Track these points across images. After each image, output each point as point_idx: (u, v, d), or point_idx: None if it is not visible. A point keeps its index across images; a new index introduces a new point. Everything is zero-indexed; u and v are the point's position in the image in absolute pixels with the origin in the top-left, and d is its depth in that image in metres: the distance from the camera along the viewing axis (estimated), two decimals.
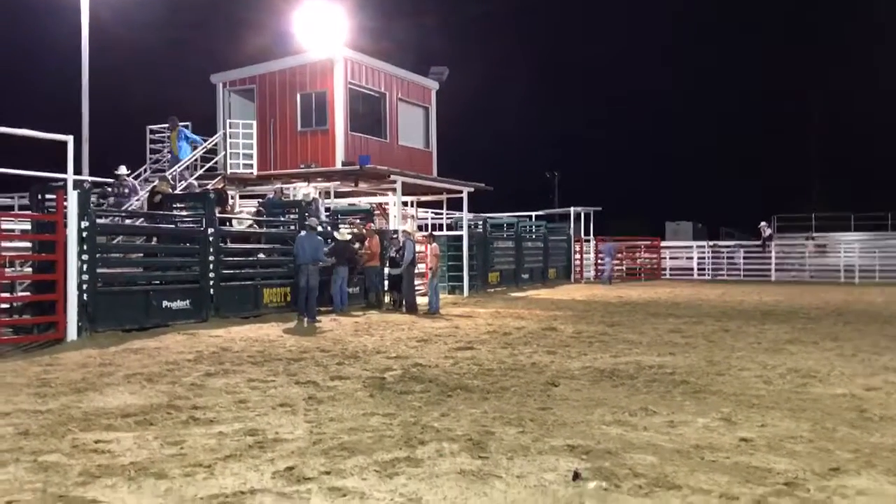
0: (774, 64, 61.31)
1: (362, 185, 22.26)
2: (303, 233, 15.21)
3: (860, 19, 58.60)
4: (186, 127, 19.98)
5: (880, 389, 7.90)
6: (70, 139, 11.61)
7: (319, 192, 22.11)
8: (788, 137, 59.43)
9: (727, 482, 4.83)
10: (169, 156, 20.04)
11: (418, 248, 17.54)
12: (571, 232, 32.18)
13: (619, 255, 31.68)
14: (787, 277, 31.16)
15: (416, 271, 17.63)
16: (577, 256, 32.18)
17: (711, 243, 34.37)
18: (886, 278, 29.34)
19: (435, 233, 22.00)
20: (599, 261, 31.16)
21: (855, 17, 59.05)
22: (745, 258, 32.48)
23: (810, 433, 6.08)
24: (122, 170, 16.80)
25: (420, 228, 22.53)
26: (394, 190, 21.73)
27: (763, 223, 33.17)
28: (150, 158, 20.78)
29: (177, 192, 17.43)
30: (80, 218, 11.64)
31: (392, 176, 20.86)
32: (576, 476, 4.90)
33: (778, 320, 15.27)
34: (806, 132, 57.26)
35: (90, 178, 17.62)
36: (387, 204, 23.96)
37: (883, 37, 56.52)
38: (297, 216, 16.59)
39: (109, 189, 16.79)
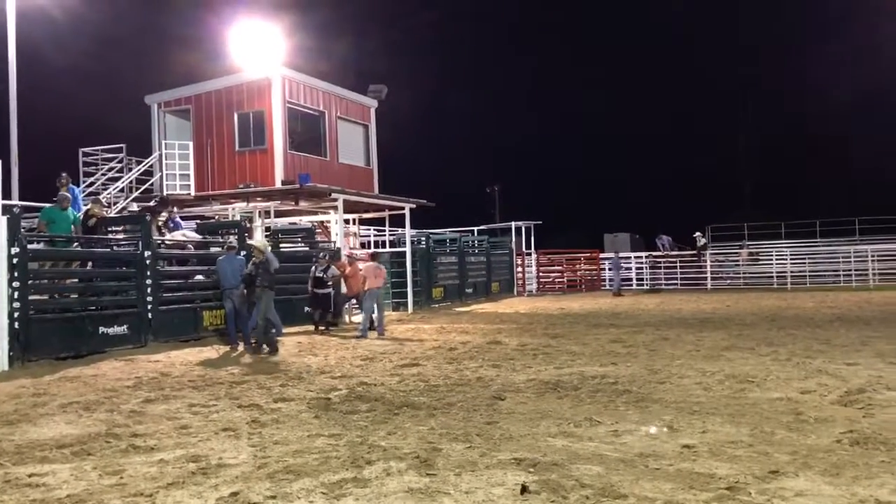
0: (707, 76, 62.99)
1: (303, 204, 22.08)
2: (222, 255, 14.58)
3: (790, 30, 60.72)
4: (76, 185, 18.75)
5: (814, 392, 8.14)
6: None
7: (260, 212, 21.86)
8: (722, 150, 61.05)
9: (671, 489, 4.91)
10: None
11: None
12: (513, 246, 32.50)
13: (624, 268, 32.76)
14: (722, 285, 31.95)
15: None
16: (520, 270, 32.48)
17: (647, 254, 35.02)
18: (817, 284, 30.32)
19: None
20: (609, 274, 32.07)
21: (785, 28, 61.16)
22: (681, 267, 33.19)
23: (750, 437, 6.22)
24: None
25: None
26: (335, 208, 21.60)
27: (697, 233, 33.97)
28: (84, 181, 20.25)
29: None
30: (10, 244, 11.30)
31: (333, 194, 20.75)
32: (524, 490, 4.92)
33: (715, 327, 15.62)
34: (738, 145, 58.98)
35: (20, 203, 17.09)
36: (328, 222, 23.81)
37: (812, 47, 58.70)
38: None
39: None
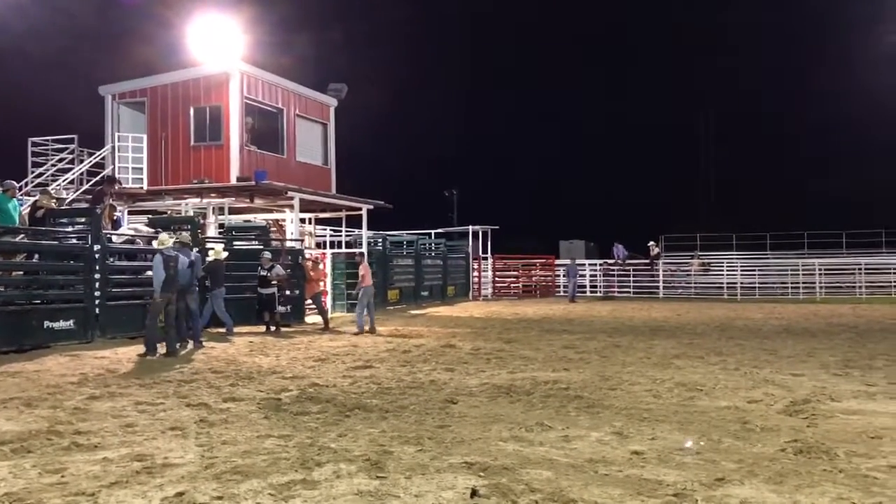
0: (664, 88, 63.98)
1: (258, 202, 21.86)
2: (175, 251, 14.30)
3: (749, 44, 61.95)
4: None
5: (761, 401, 8.29)
6: None
7: (213, 208, 21.56)
8: (676, 162, 61.98)
9: (620, 495, 4.94)
10: None
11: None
12: (470, 250, 32.56)
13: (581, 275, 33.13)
14: (674, 294, 32.41)
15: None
16: (476, 274, 32.55)
17: (601, 262, 35.39)
18: (765, 295, 30.94)
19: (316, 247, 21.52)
20: (565, 280, 32.30)
21: (744, 41, 62.37)
22: (633, 276, 33.60)
23: (697, 445, 6.30)
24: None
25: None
26: (291, 206, 21.43)
27: (651, 243, 34.43)
28: (32, 172, 19.77)
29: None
30: None
31: (289, 192, 20.56)
32: (473, 493, 4.91)
33: (666, 336, 15.83)
34: (693, 157, 60.00)
35: None
36: (284, 220, 23.59)
37: (769, 61, 60.07)
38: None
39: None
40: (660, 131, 61.66)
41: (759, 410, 7.81)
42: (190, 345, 13.42)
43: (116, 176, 18.78)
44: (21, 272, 13.64)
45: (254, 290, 17.02)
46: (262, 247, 18.40)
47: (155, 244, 13.13)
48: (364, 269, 17.01)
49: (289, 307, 17.79)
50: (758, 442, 6.42)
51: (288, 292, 17.65)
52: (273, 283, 16.67)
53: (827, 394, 8.69)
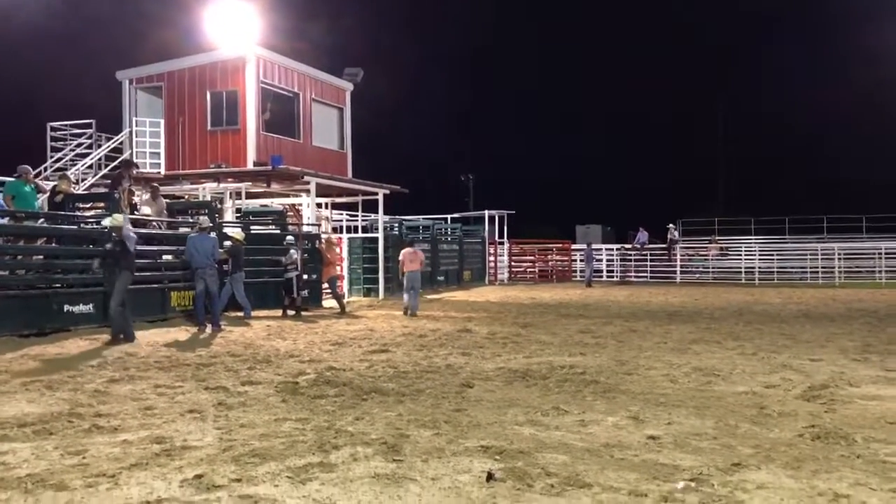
0: (682, 72, 63.39)
1: (275, 186, 21.90)
2: (193, 234, 14.27)
3: (766, 34, 61.29)
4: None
5: (778, 387, 8.25)
6: None
7: (231, 193, 21.63)
8: (694, 145, 61.50)
9: (636, 479, 4.94)
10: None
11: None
12: (486, 234, 32.55)
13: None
14: (691, 279, 32.26)
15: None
16: (492, 259, 32.55)
17: (618, 246, 35.26)
18: (784, 280, 30.74)
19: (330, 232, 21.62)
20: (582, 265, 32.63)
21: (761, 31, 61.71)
22: (651, 260, 33.45)
23: (714, 430, 6.29)
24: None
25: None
26: (307, 191, 21.45)
27: (671, 225, 34.24)
28: (51, 157, 19.90)
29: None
30: None
31: (306, 177, 20.60)
32: (489, 477, 4.92)
33: (683, 321, 15.77)
34: (712, 141, 59.49)
35: None
36: (300, 205, 23.64)
37: (788, 49, 59.38)
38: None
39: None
40: (677, 115, 61.26)
41: (777, 395, 7.78)
42: (208, 328, 13.52)
43: (134, 160, 18.84)
44: (41, 256, 13.77)
45: (271, 274, 17.18)
46: (278, 231, 18.46)
47: (107, 222, 12.72)
48: (403, 256, 17.70)
49: (307, 291, 17.88)
50: (775, 427, 6.40)
51: (306, 276, 17.72)
52: (287, 267, 16.78)
53: (845, 379, 8.64)
